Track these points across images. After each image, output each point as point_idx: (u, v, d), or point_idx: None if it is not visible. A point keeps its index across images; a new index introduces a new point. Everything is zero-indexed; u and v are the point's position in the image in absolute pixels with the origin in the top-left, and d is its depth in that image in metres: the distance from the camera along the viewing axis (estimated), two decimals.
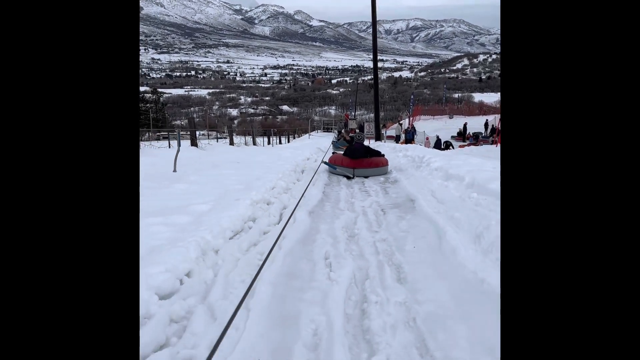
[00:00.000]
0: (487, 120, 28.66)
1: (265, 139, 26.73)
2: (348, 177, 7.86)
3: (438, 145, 20.49)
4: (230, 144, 18.44)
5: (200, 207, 4.32)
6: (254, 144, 23.44)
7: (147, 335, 1.89)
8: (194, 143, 14.38)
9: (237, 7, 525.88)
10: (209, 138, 21.76)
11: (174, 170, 7.39)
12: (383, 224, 4.26)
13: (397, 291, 2.56)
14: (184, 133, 17.67)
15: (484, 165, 6.38)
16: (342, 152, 8.99)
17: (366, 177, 7.83)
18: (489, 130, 25.61)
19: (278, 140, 29.77)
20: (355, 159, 8.13)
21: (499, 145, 15.58)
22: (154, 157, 9.65)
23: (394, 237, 3.77)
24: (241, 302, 1.98)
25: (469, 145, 20.65)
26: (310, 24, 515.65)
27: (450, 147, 20.22)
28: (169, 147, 14.44)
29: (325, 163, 8.71)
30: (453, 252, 3.15)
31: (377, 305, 2.34)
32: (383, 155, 8.75)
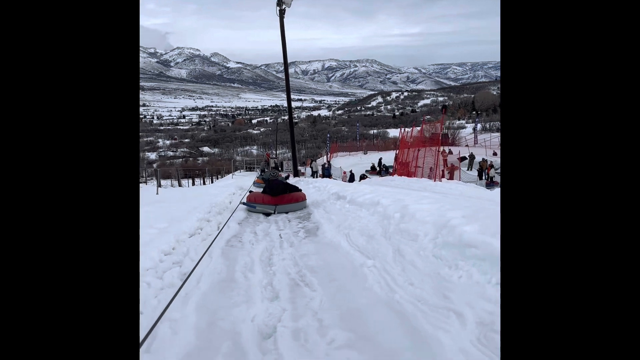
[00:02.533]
0: (396, 153, 32.13)
1: (190, 181, 28.31)
2: (268, 214, 8.05)
3: (352, 179, 23.22)
4: (158, 186, 19.95)
5: (161, 224, 6.26)
6: (180, 185, 24.99)
7: (164, 265, 3.90)
8: None
9: (152, 51, 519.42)
10: None
11: None
12: (287, 226, 6.45)
13: (289, 249, 4.72)
14: None
15: (366, 189, 8.78)
16: (260, 190, 9.34)
17: (286, 212, 8.11)
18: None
19: (202, 181, 31.42)
20: (276, 195, 8.36)
21: (395, 175, 18.47)
22: None
23: (292, 231, 5.97)
24: (204, 252, 4.07)
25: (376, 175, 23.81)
26: (228, 65, 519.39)
27: (367, 178, 23.09)
28: None
29: (243, 204, 8.76)
30: (323, 233, 5.40)
31: (277, 254, 4.51)
32: (300, 190, 9.17)
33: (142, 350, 2.48)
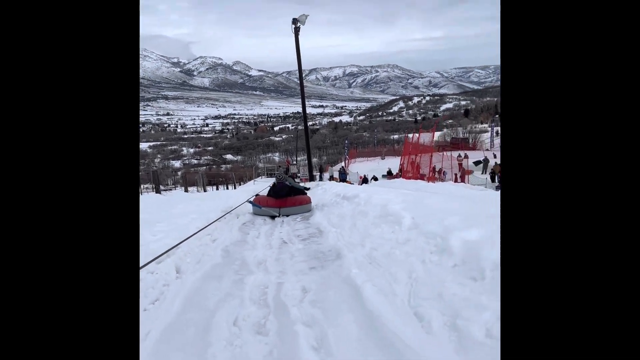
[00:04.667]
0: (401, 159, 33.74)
1: (214, 187, 30.55)
2: (273, 217, 8.10)
3: (365, 182, 25.17)
4: (185, 191, 22.25)
5: (194, 215, 8.23)
6: (205, 190, 27.22)
7: (201, 234, 5.84)
8: (158, 191, 18.16)
9: (175, 60, 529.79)
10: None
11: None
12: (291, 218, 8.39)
13: (286, 228, 6.62)
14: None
15: (359, 188, 10.63)
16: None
17: (288, 215, 8.27)
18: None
19: (225, 187, 33.65)
20: (280, 198, 8.53)
21: (401, 177, 20.30)
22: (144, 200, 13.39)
23: (291, 218, 7.88)
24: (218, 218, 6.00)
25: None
26: (250, 73, 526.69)
27: (375, 180, 24.96)
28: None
29: (250, 202, 8.75)
30: (314, 218, 7.31)
31: (277, 230, 6.43)
32: (306, 194, 9.46)
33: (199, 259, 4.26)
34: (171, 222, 6.23)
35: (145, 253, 3.56)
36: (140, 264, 2.98)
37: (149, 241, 4.60)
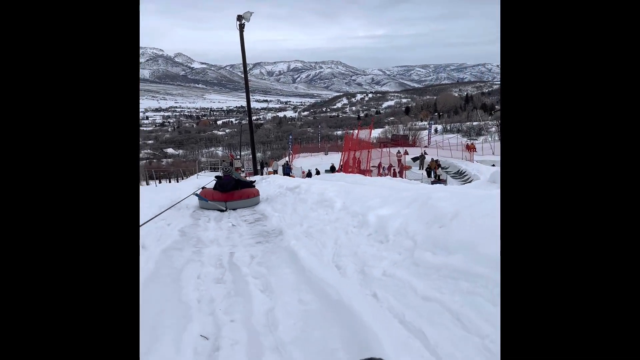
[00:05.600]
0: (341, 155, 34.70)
1: (157, 181, 30.54)
2: (220, 210, 7.92)
3: (309, 176, 26.12)
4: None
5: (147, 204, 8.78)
6: (147, 184, 27.24)
7: (159, 219, 6.49)
8: None
9: None
10: None
11: None
12: None
13: (234, 214, 7.36)
14: None
15: (300, 180, 11.48)
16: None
17: (235, 209, 8.07)
18: None
19: (168, 181, 33.63)
20: (226, 192, 8.33)
21: (342, 172, 21.36)
22: None
23: (241, 209, 8.62)
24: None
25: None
26: (192, 66, 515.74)
27: (318, 174, 25.93)
28: None
29: (196, 195, 8.59)
30: (260, 208, 8.08)
31: (225, 216, 7.16)
32: (254, 186, 9.43)
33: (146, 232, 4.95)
34: None
35: None
36: None
37: None
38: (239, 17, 24.77)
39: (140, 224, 5.26)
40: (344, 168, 22.51)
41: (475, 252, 2.52)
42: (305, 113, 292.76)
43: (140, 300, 2.47)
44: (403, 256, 3.09)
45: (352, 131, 26.17)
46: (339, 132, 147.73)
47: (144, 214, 6.35)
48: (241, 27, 24.99)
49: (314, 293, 2.92)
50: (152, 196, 9.71)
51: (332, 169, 31.80)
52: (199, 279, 3.38)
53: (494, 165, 23.86)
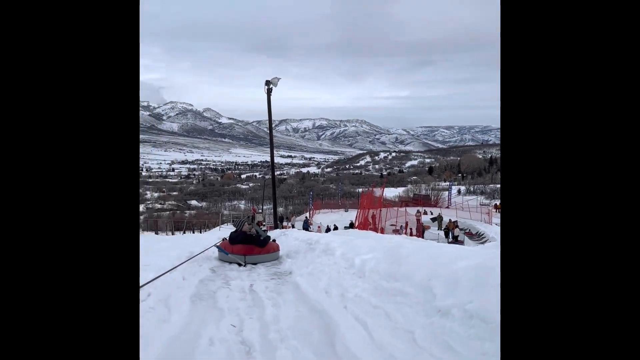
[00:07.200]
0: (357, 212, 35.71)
1: (180, 232, 32.35)
2: (239, 264, 7.71)
3: (327, 231, 27.39)
4: (155, 234, 24.07)
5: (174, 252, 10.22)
6: (172, 234, 28.98)
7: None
8: None
9: (145, 104, 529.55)
10: None
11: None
12: None
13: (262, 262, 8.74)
14: None
15: (316, 235, 12.85)
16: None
17: (255, 263, 7.86)
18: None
19: (192, 232, 35.35)
20: (247, 244, 8.19)
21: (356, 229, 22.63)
22: None
23: None
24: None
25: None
26: (220, 121, 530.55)
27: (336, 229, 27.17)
28: None
29: (217, 247, 8.50)
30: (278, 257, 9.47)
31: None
32: (274, 240, 9.40)
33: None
34: (162, 253, 8.24)
35: (157, 268, 5.61)
36: (159, 274, 5.02)
37: (157, 262, 6.64)
38: (267, 82, 26.80)
39: (179, 263, 6.64)
40: (363, 225, 23.76)
41: (411, 279, 3.87)
42: (329, 169, 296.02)
43: (189, 307, 3.85)
44: (371, 285, 4.46)
45: (368, 189, 27.51)
46: (360, 189, 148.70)
47: (178, 257, 7.76)
48: (269, 91, 26.92)
49: (306, 306, 4.27)
50: (182, 243, 11.17)
51: (352, 225, 32.96)
52: (228, 297, 4.76)
53: None
